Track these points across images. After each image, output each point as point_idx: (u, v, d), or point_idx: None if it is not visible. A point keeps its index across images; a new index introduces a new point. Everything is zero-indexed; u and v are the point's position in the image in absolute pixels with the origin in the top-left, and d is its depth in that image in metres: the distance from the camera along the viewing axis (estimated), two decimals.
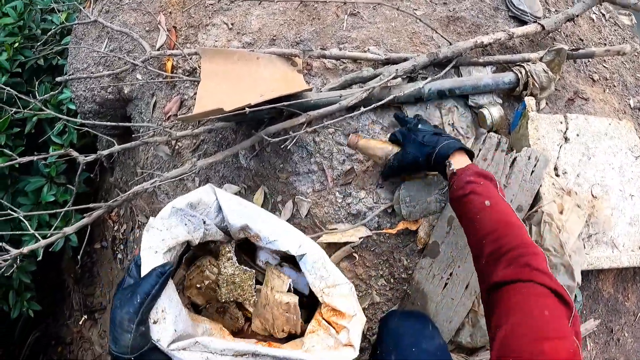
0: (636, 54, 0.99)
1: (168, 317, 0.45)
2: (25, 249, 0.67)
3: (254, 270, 0.58)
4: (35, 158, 0.70)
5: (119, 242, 1.40)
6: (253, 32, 0.80)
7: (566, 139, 0.77)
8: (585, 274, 0.76)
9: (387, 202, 0.66)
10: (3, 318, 1.40)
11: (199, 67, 0.79)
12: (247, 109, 0.55)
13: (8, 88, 0.81)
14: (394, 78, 0.68)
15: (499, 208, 0.47)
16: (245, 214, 0.54)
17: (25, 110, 0.90)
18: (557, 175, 0.74)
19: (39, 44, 1.19)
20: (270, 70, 0.71)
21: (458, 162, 0.54)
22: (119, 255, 1.41)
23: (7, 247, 0.67)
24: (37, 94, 0.99)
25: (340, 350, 0.48)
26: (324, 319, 0.52)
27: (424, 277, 0.67)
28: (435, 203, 0.65)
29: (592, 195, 0.74)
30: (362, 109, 0.63)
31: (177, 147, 0.87)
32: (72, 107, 1.19)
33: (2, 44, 1.17)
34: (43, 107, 0.78)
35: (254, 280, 0.57)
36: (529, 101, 0.73)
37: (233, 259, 0.58)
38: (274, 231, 0.53)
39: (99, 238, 1.52)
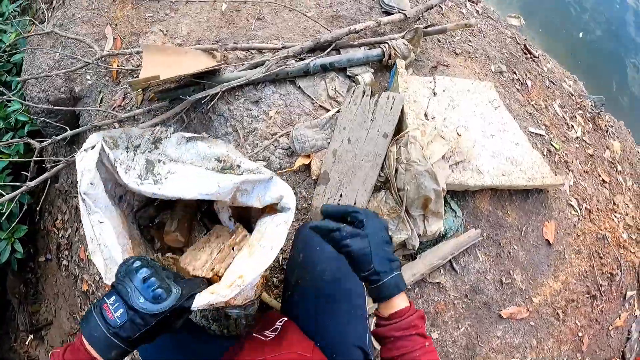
0: (505, 36, 1.47)
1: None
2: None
3: None
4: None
5: (64, 248, 1.67)
6: (183, 36, 1.23)
7: (434, 94, 1.18)
8: (462, 195, 1.12)
9: (285, 145, 1.03)
10: None
11: (141, 60, 1.19)
12: (179, 75, 0.94)
13: None
14: (286, 57, 1.10)
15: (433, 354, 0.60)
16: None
17: None
18: (427, 119, 1.13)
19: None
20: (195, 60, 1.12)
21: (402, 299, 0.62)
22: (64, 262, 1.67)
23: None
24: None
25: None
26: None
27: (320, 201, 1.01)
28: (322, 141, 1.02)
29: (457, 134, 1.13)
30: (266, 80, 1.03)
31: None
32: (21, 118, 1.53)
33: None
34: None
35: None
36: (400, 62, 1.15)
37: None
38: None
39: (43, 251, 1.79)
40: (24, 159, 1.55)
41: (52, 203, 1.75)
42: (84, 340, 0.53)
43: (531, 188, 1.14)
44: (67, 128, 1.22)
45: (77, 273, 1.62)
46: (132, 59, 1.26)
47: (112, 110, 1.27)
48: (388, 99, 1.06)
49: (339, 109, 1.10)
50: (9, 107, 1.58)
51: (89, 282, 1.59)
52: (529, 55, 1.46)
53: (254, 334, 0.76)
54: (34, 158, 1.30)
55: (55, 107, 1.21)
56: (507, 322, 1.14)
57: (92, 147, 0.73)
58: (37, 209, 1.51)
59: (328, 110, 1.10)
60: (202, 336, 0.89)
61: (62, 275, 1.71)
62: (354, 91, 1.07)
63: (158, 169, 0.79)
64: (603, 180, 1.36)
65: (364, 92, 1.06)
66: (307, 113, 1.09)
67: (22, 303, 1.81)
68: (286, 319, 0.79)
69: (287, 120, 1.08)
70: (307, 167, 1.05)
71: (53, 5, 1.58)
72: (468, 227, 1.12)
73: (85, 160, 0.71)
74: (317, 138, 1.04)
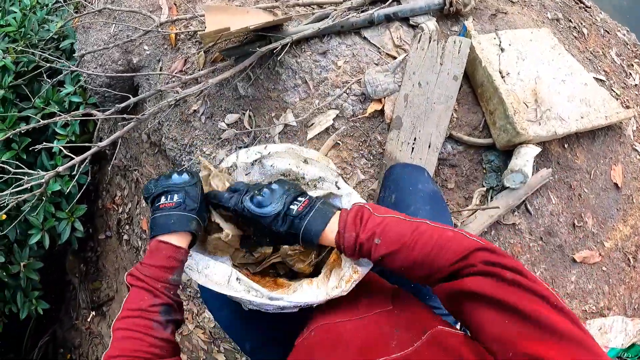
0: None
1: None
2: (61, 168, 1.00)
3: None
4: (59, 118, 1.07)
5: (124, 223, 1.71)
6: None
7: (502, 50, 1.17)
8: None
9: (357, 91, 1.03)
10: (13, 323, 1.61)
11: (200, 25, 1.21)
12: (250, 27, 0.95)
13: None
14: (350, 9, 1.10)
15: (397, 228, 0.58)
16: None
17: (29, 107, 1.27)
18: (502, 77, 1.11)
19: (38, 49, 1.60)
20: (258, 17, 1.13)
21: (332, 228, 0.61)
22: (125, 237, 1.72)
23: (41, 171, 0.98)
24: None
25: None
26: None
27: (394, 146, 1.02)
28: (393, 84, 1.03)
29: (535, 83, 1.11)
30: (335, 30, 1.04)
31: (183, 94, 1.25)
32: (75, 99, 1.56)
33: (7, 50, 1.57)
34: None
35: None
36: (469, 24, 1.14)
37: None
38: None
39: (102, 229, 1.84)
40: (80, 144, 1.59)
41: (110, 182, 1.80)
42: (160, 238, 0.60)
43: (609, 125, 1.13)
44: (130, 96, 1.25)
45: (140, 245, 1.66)
46: (191, 25, 1.28)
47: (174, 77, 1.29)
48: (455, 42, 1.05)
49: (407, 55, 1.10)
50: (61, 91, 1.60)
51: None
52: (581, 5, 1.43)
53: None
54: (97, 127, 1.33)
55: (118, 75, 1.23)
56: (580, 266, 1.13)
57: None
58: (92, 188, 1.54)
59: (395, 58, 1.10)
60: None
61: (124, 250, 1.76)
62: (420, 37, 1.07)
63: None
64: None
65: (431, 37, 1.06)
66: (375, 62, 1.10)
67: (82, 281, 1.87)
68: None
69: (356, 69, 1.08)
70: (380, 112, 1.05)
71: None
72: (538, 167, 1.11)
73: None
74: (388, 82, 1.04)
